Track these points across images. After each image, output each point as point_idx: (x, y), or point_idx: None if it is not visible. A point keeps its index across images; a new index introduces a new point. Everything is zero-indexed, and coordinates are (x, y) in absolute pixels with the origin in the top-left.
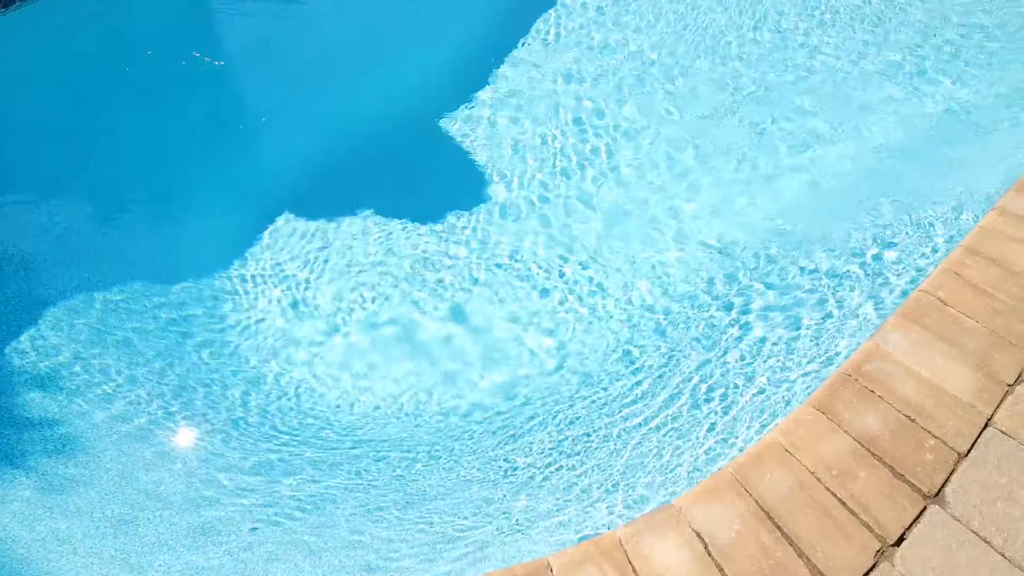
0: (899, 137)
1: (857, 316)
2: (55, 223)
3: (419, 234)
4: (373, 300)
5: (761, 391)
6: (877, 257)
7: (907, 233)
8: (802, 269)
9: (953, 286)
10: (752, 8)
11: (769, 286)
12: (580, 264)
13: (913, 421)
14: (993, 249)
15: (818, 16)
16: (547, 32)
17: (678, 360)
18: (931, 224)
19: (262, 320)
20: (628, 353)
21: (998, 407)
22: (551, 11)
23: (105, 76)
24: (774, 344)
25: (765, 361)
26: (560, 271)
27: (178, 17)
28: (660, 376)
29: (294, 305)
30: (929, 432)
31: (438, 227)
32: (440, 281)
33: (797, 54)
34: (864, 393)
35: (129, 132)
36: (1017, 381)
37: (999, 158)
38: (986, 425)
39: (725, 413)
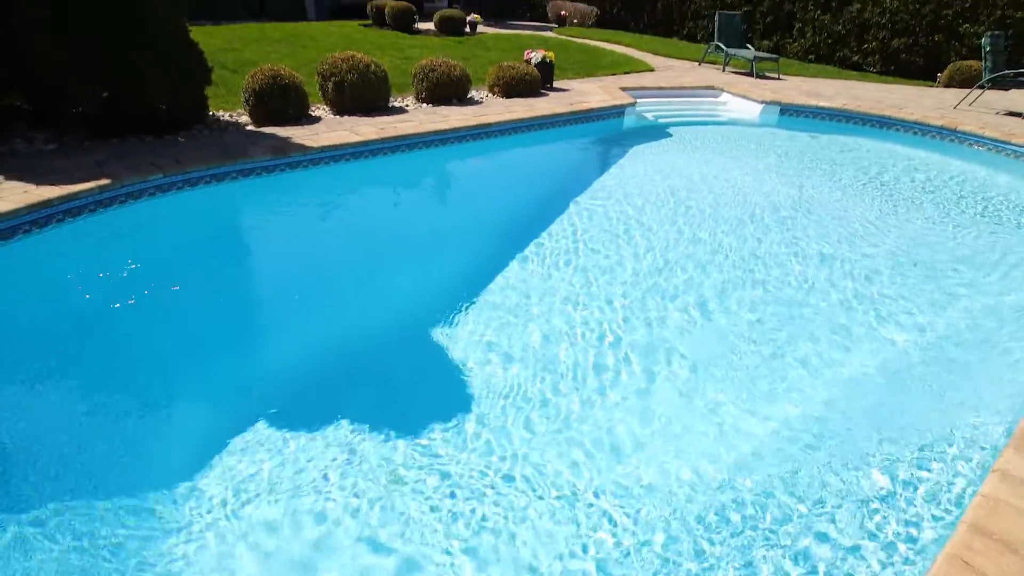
0: (897, 366)
1: None
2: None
3: (398, 452)
4: (342, 524)
5: None
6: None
7: (912, 488)
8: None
9: None
10: (755, 234)
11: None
12: (573, 494)
13: None
14: (1003, 527)
15: (819, 247)
16: (547, 248)
17: None
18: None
19: (210, 545)
20: None
21: None
22: (555, 225)
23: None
24: None
25: None
26: (554, 500)
27: (167, 234)
28: None
29: (256, 529)
30: None
31: (419, 446)
32: (419, 506)
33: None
34: None
35: (97, 339)
36: None
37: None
38: None
39: None
